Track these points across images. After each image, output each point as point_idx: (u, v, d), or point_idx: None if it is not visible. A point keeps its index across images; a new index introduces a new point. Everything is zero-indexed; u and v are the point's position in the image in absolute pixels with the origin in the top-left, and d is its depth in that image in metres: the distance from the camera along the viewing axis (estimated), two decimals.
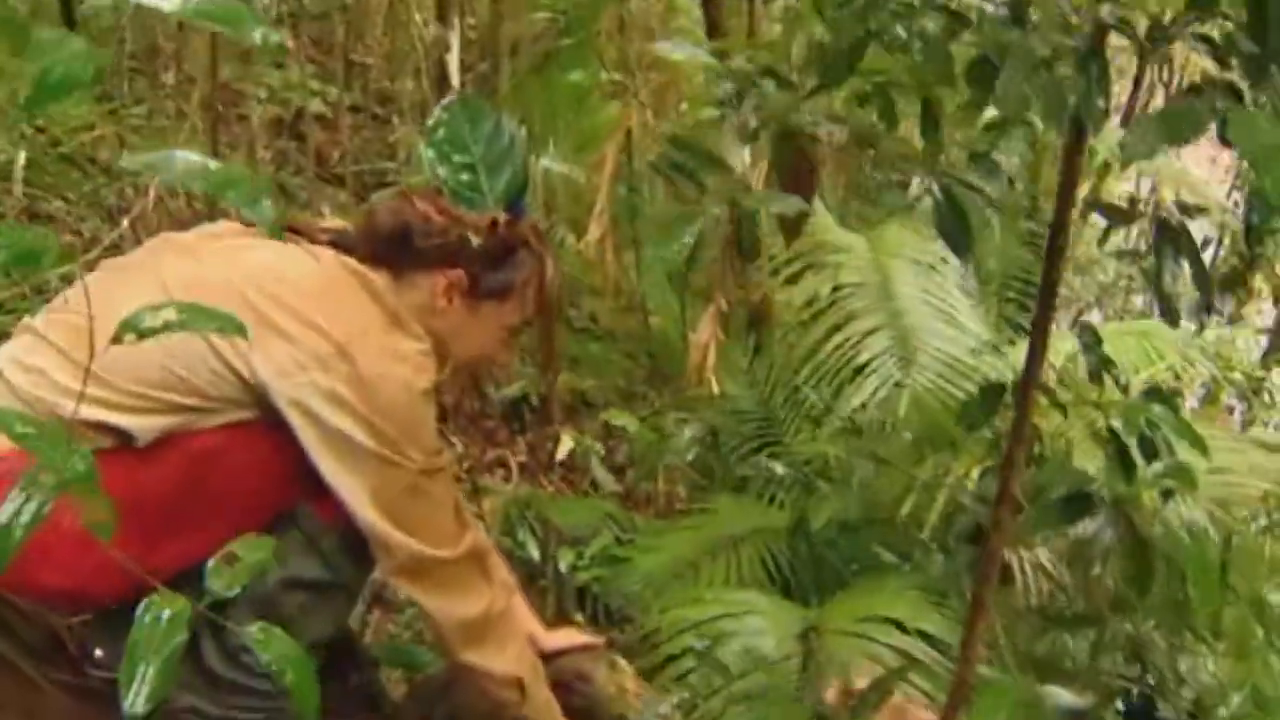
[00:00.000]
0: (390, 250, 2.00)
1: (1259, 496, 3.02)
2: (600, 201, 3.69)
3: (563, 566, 3.22)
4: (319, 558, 1.94)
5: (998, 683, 2.30)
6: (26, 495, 0.98)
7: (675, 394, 3.80)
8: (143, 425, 1.82)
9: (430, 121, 2.14)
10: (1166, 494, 2.23)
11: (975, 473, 2.91)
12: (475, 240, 2.00)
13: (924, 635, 2.90)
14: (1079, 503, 2.23)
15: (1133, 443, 2.05)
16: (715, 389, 3.51)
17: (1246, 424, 5.57)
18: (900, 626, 2.92)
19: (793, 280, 4.02)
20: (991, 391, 2.09)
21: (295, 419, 1.85)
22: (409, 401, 1.87)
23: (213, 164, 1.11)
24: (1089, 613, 2.53)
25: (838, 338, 3.80)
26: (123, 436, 1.81)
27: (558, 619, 3.07)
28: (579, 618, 3.36)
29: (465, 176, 2.06)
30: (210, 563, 1.20)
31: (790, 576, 3.18)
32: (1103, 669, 2.43)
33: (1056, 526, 2.30)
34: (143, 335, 1.06)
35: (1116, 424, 2.11)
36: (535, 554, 3.21)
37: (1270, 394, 5.41)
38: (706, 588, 3.15)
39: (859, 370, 3.60)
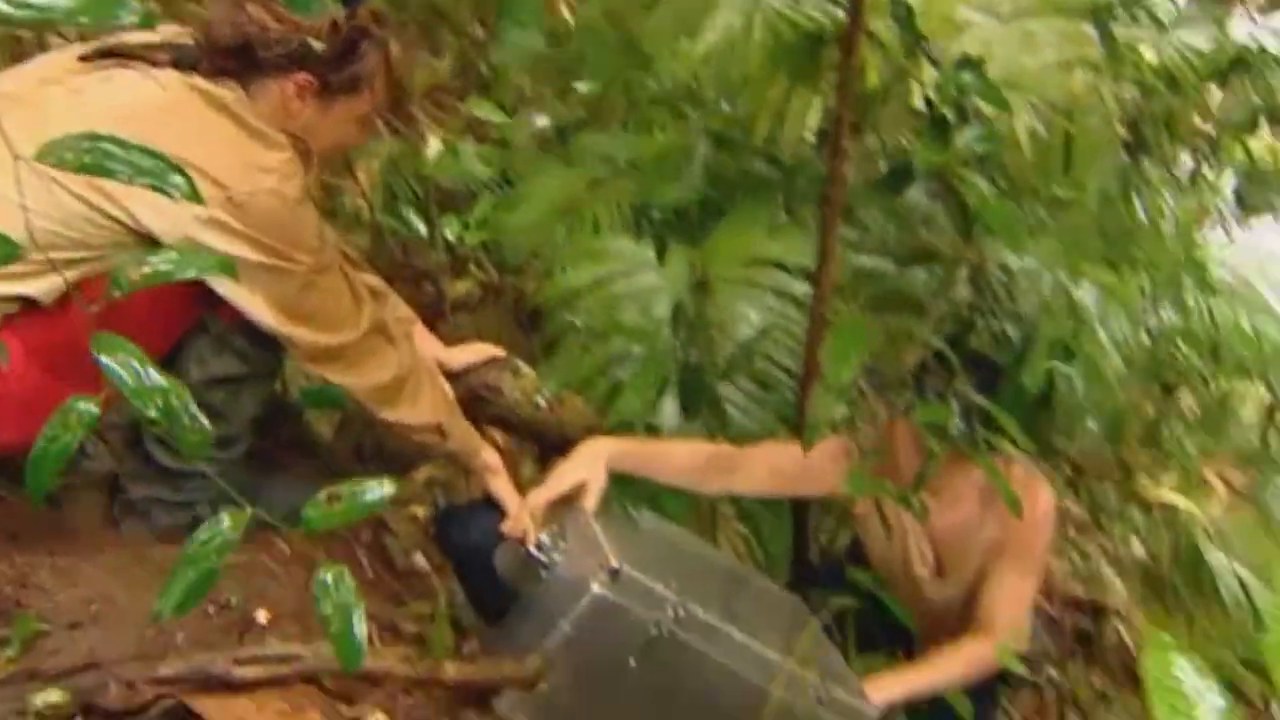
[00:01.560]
0: (233, 63, 1.97)
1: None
2: None
3: (449, 235, 3.29)
4: (233, 355, 2.05)
5: (850, 318, 2.50)
6: None
7: None
8: (41, 288, 1.84)
9: None
10: (981, 160, 2.38)
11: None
12: (317, 44, 1.96)
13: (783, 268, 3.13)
14: (901, 174, 2.40)
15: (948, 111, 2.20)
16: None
17: None
18: (782, 268, 3.13)
19: None
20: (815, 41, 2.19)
21: None
22: (285, 210, 1.92)
23: None
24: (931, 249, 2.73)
25: None
26: (28, 301, 1.85)
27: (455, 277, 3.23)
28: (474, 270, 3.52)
29: None
30: None
31: (668, 214, 3.30)
32: (949, 300, 2.66)
33: (884, 197, 2.48)
34: None
35: (932, 94, 2.25)
36: (421, 227, 3.27)
37: None
38: (594, 236, 3.26)
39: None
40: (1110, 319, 3.69)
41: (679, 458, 2.43)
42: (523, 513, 2.15)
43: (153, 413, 1.20)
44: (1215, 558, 3.84)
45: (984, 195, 2.41)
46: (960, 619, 2.51)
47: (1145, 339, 3.89)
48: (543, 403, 2.59)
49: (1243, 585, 3.79)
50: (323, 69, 2.00)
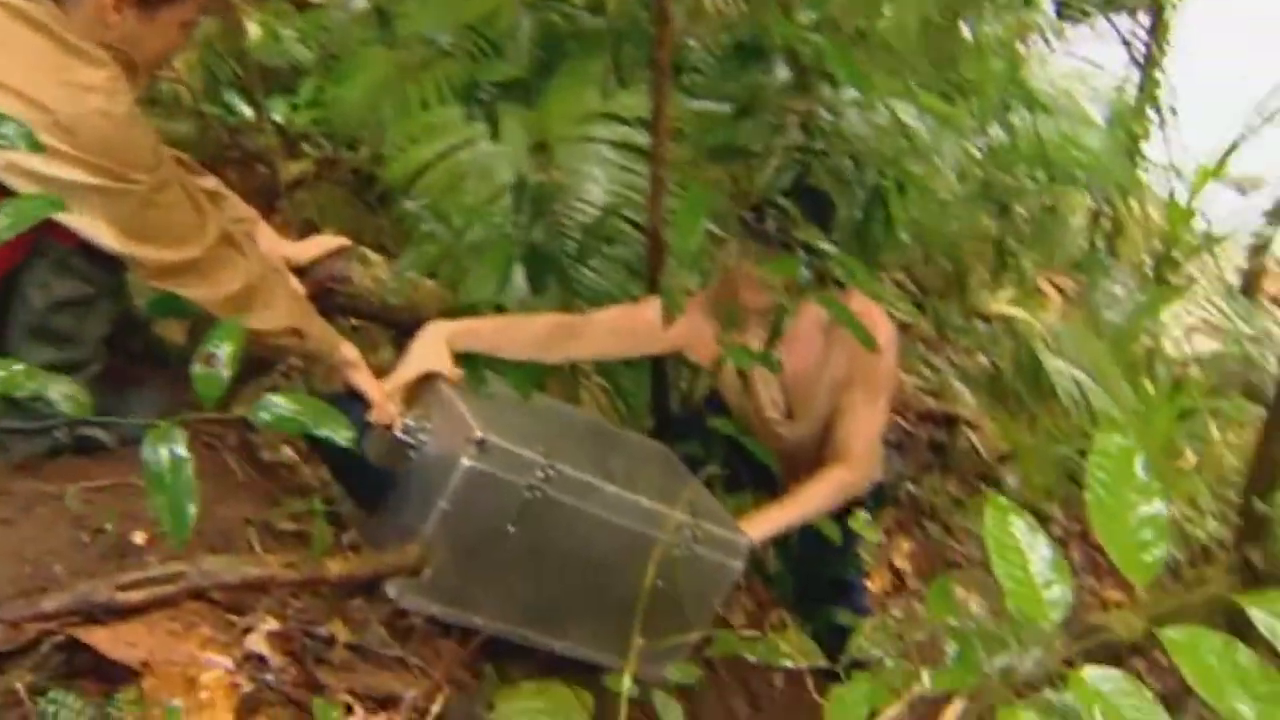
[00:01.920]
0: None
1: None
2: None
3: (278, 118, 3.20)
4: (75, 277, 1.98)
5: (693, 188, 2.54)
6: None
7: None
8: None
9: None
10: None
11: None
12: None
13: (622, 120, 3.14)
14: (753, 53, 2.42)
15: None
16: None
17: None
18: (620, 120, 3.13)
19: None
20: None
21: (16, 182, 1.81)
22: (115, 129, 1.84)
23: None
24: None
25: None
26: None
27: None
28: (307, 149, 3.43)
29: None
30: None
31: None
32: (780, 147, 2.71)
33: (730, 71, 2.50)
34: None
35: None
36: (247, 110, 3.17)
37: None
38: (425, 111, 3.21)
39: None
40: (943, 144, 3.80)
41: (521, 331, 2.45)
42: (385, 400, 2.17)
43: None
44: (1052, 362, 4.06)
45: (819, 46, 2.44)
46: (817, 455, 2.63)
47: (977, 159, 4.03)
48: (394, 287, 2.58)
49: (1079, 386, 4.03)
50: None
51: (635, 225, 2.99)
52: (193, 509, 1.26)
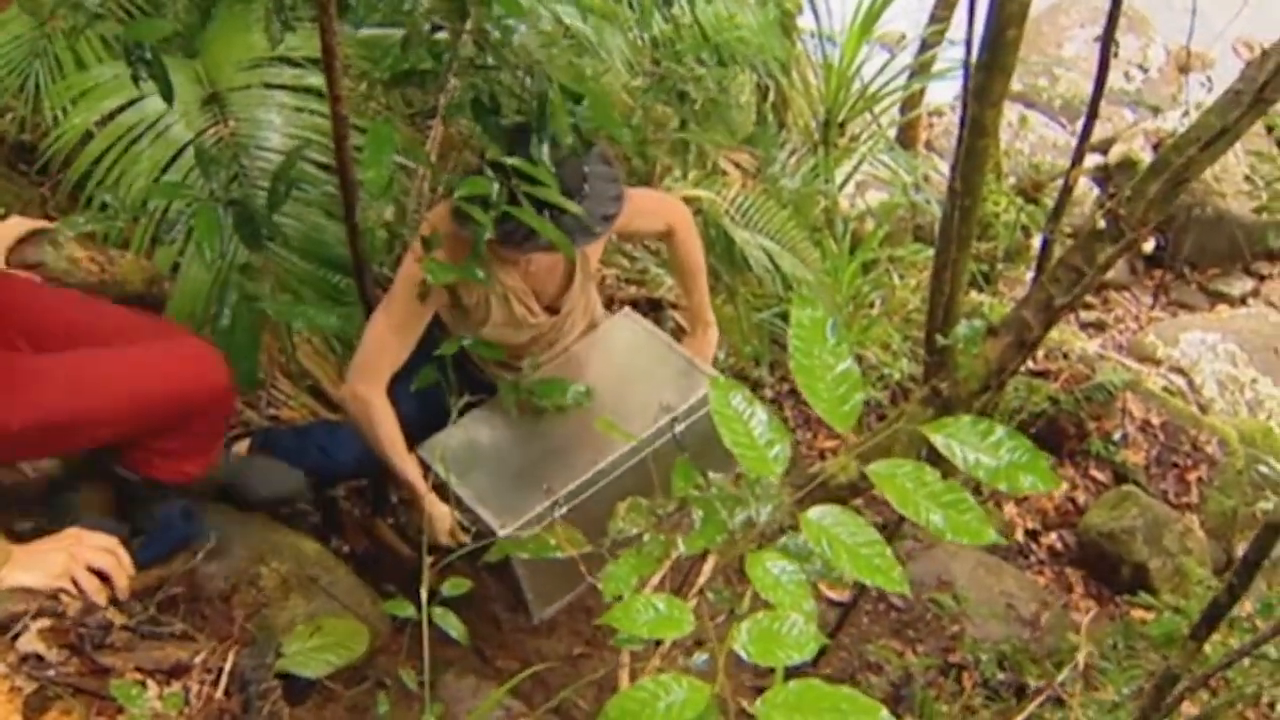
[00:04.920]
0: None
1: None
2: None
3: None
4: None
5: (377, 126, 2.57)
6: None
7: None
8: None
9: None
10: None
11: None
12: None
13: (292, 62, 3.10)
14: None
15: None
16: None
17: None
18: (291, 62, 3.08)
19: None
20: None
21: None
22: None
23: None
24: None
25: None
26: None
27: None
28: None
29: None
30: None
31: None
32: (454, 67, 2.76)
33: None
34: None
35: None
36: None
37: None
38: (81, 72, 3.06)
39: None
40: (608, 40, 3.91)
41: None
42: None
43: None
44: (741, 235, 4.30)
45: None
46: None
47: (646, 52, 4.17)
48: (94, 266, 2.50)
49: (768, 254, 4.29)
50: None
51: (323, 166, 2.98)
52: None
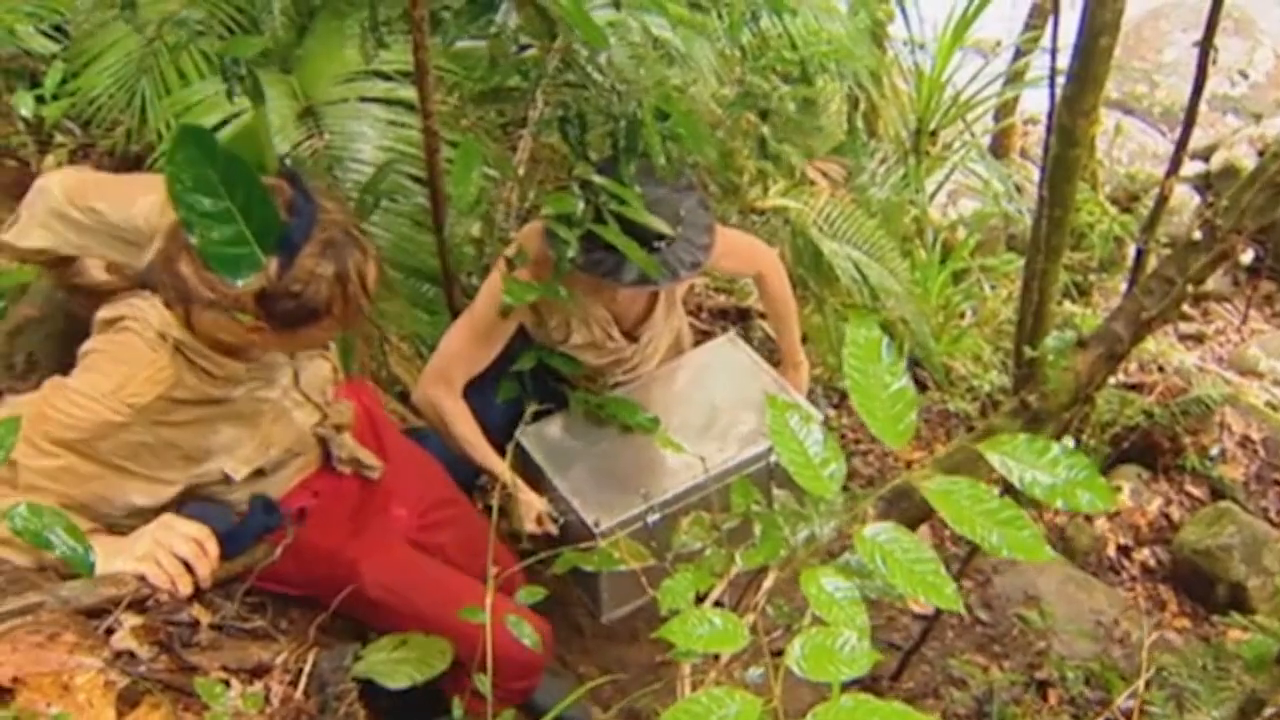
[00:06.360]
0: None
1: None
2: None
3: (25, 112, 3.13)
4: None
5: (467, 143, 2.63)
6: None
7: None
8: None
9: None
10: None
11: None
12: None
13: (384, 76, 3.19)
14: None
15: None
16: None
17: None
18: (383, 76, 3.17)
19: None
20: None
21: None
22: None
23: None
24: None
25: None
26: None
27: None
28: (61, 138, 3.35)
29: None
30: None
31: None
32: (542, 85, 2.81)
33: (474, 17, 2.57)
34: None
35: None
36: None
37: None
38: (185, 88, 3.19)
39: None
40: (697, 51, 3.94)
41: None
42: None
43: None
44: (829, 245, 4.29)
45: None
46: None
47: (734, 64, 4.18)
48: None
49: (856, 265, 4.29)
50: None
51: (414, 179, 3.06)
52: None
